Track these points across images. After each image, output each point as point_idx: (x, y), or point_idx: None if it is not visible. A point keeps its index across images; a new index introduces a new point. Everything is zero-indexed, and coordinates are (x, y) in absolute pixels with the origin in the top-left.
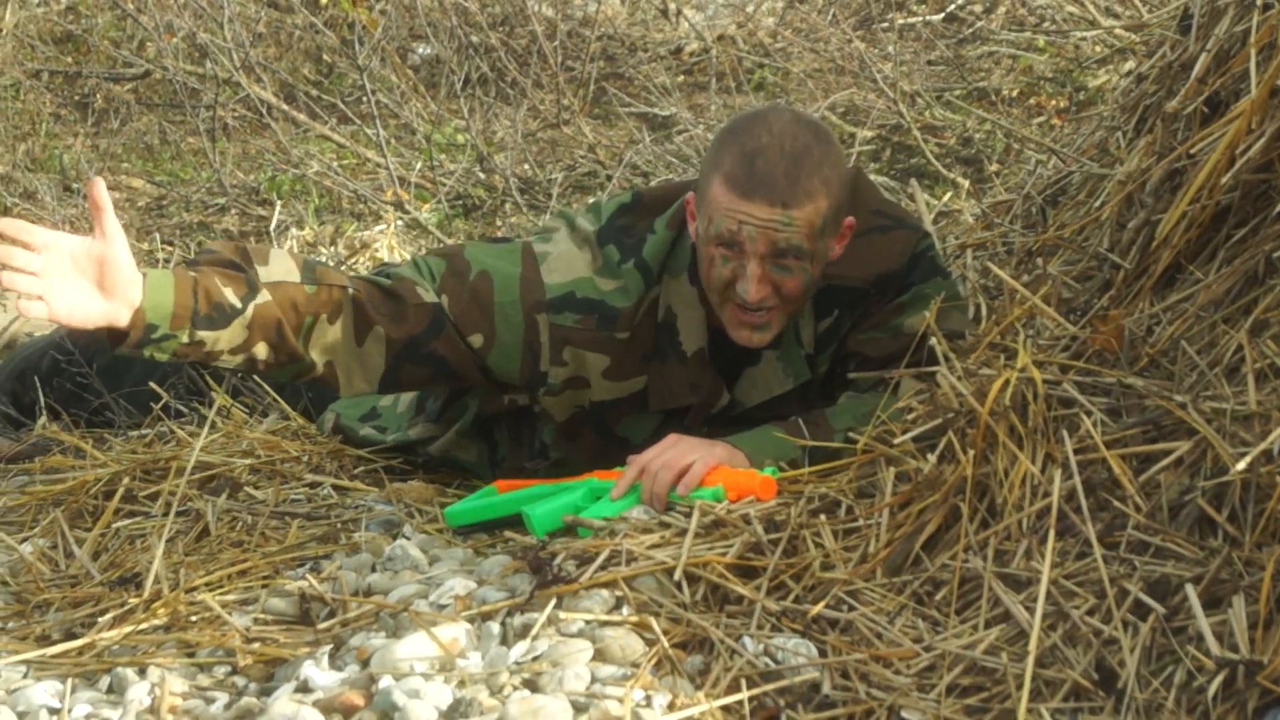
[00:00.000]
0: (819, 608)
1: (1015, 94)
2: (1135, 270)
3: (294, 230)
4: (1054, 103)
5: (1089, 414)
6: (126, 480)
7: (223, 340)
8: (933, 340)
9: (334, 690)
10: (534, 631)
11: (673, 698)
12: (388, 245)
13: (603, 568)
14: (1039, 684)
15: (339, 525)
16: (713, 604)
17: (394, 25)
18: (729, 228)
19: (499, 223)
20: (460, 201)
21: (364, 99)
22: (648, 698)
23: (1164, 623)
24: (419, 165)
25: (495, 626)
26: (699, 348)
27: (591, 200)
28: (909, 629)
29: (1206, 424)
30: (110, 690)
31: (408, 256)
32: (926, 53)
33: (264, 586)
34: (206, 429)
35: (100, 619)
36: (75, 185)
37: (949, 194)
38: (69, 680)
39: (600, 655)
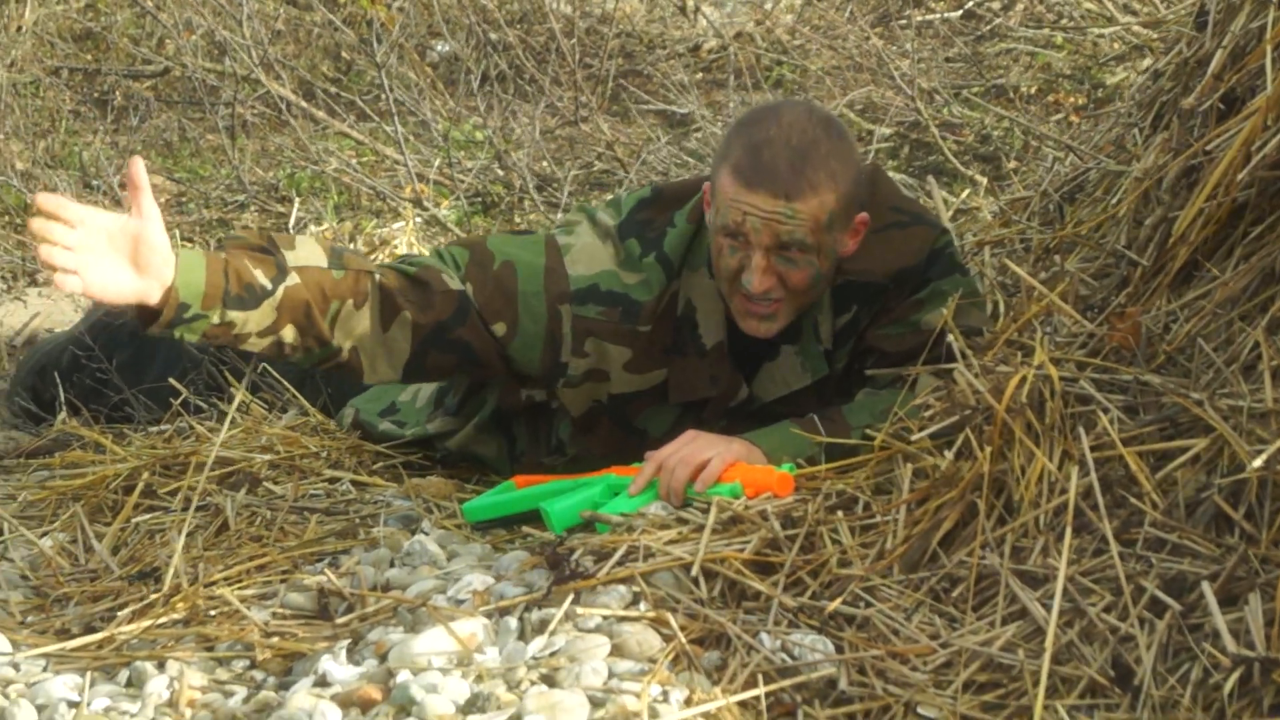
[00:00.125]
0: (836, 604)
1: (1033, 91)
2: (1152, 267)
3: (313, 227)
4: (1072, 100)
5: (1106, 411)
6: (146, 475)
7: (252, 321)
8: (950, 337)
9: (352, 684)
10: (551, 627)
11: (689, 693)
12: (407, 242)
13: (620, 563)
14: (1055, 681)
15: (358, 520)
16: (730, 600)
17: (412, 23)
18: (734, 219)
19: (518, 219)
20: (479, 198)
21: (382, 96)
22: (664, 693)
23: (1180, 620)
24: (437, 162)
25: (513, 621)
26: (718, 341)
27: (609, 197)
28: (926, 625)
29: (1223, 421)
30: (129, 684)
31: (427, 251)
32: (944, 50)
33: (283, 581)
34: (226, 424)
35: (119, 613)
36: (94, 182)
37: (967, 191)
38: (88, 674)
39: (617, 650)
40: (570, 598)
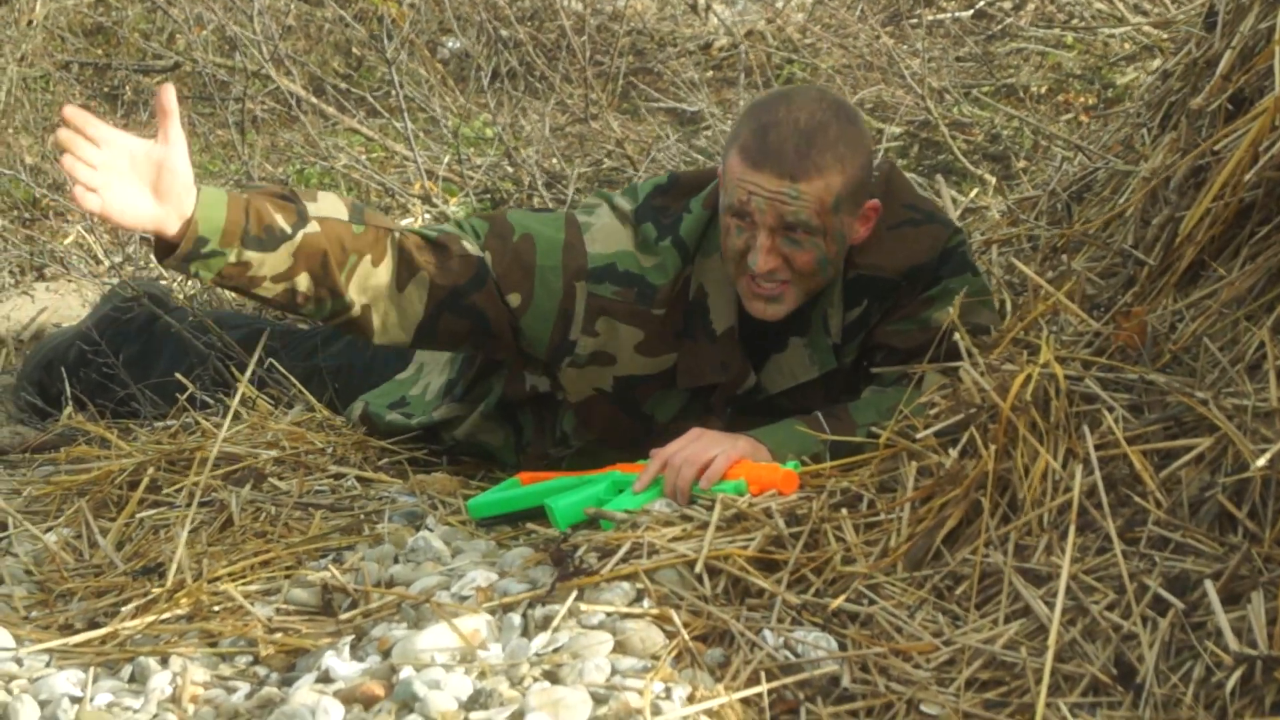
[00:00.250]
0: (839, 601)
1: (1044, 91)
2: (1159, 267)
3: None
4: (1082, 100)
5: (1110, 410)
6: (151, 471)
7: (268, 264)
8: (956, 335)
9: (355, 681)
10: (555, 623)
11: (693, 690)
12: None
13: (624, 560)
14: (1058, 679)
15: (362, 516)
16: (733, 597)
17: (423, 19)
18: (740, 198)
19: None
20: (488, 195)
21: (392, 92)
22: (668, 690)
23: (1183, 618)
24: (447, 159)
25: (516, 618)
26: (729, 327)
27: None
28: (929, 623)
29: (1228, 420)
30: (132, 679)
31: None
32: (955, 49)
33: (286, 577)
34: (230, 420)
35: (123, 608)
36: None
37: (975, 190)
38: (91, 669)
39: (621, 647)
40: (574, 594)
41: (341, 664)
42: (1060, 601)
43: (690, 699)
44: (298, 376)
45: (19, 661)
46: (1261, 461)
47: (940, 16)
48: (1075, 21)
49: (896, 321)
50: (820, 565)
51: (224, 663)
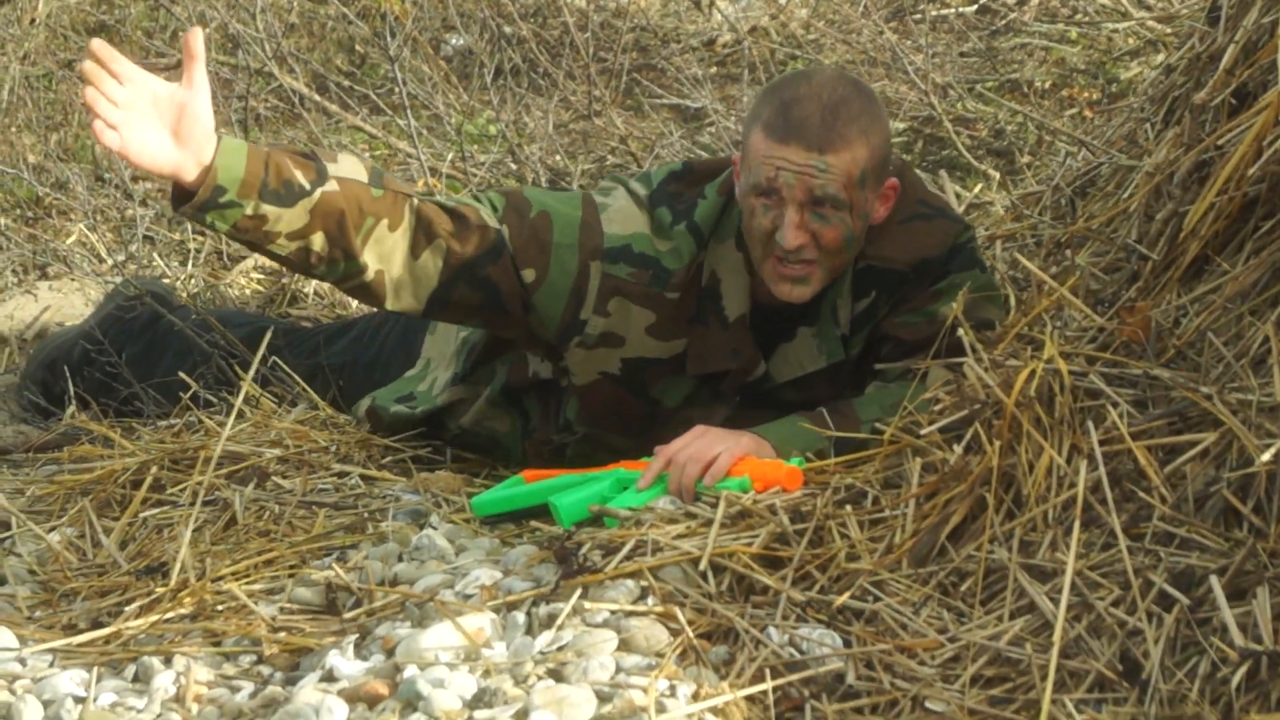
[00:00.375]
0: (844, 598)
1: (1048, 86)
2: (1163, 262)
3: None
4: (1086, 95)
5: (1115, 405)
6: (155, 470)
7: (284, 220)
8: (960, 331)
9: (359, 679)
10: (559, 621)
11: (697, 688)
12: None
13: (628, 558)
14: (1063, 675)
15: (366, 515)
16: (738, 594)
17: (426, 16)
18: (767, 175)
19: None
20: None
21: (396, 90)
22: (672, 687)
23: (1188, 614)
24: (450, 156)
25: (520, 616)
26: (741, 314)
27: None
28: (934, 620)
29: (1232, 415)
30: (136, 679)
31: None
32: (959, 44)
33: (290, 576)
34: (234, 418)
35: (127, 608)
36: (106, 175)
37: (979, 185)
38: (95, 669)
39: (625, 645)
40: (578, 592)
41: (345, 663)
42: (1065, 598)
43: (695, 697)
44: (301, 375)
45: (22, 661)
46: (1266, 456)
47: (944, 12)
48: (1079, 16)
49: (904, 314)
50: (825, 562)
51: (228, 662)
